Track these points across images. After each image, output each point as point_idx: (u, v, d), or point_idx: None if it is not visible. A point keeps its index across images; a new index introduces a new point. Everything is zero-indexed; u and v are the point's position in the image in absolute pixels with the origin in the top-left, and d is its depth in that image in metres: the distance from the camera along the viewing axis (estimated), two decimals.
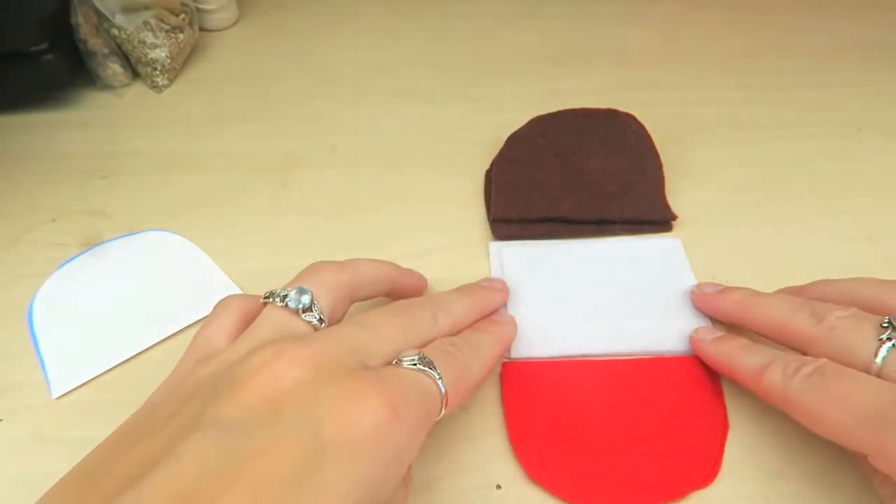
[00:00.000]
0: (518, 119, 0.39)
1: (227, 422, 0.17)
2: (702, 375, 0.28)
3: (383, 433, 0.18)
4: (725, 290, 0.29)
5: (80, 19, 0.41)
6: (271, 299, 0.23)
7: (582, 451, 0.26)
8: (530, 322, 0.30)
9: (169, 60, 0.44)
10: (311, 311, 0.22)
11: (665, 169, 0.36)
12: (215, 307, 0.24)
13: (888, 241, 0.34)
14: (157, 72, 0.44)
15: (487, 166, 0.38)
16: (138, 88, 0.45)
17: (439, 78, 0.45)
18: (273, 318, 0.22)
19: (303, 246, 0.34)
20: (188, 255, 0.33)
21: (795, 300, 0.26)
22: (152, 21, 0.43)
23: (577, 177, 0.35)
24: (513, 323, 0.28)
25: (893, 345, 0.22)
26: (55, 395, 0.28)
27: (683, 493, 0.25)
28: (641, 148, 0.37)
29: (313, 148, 0.40)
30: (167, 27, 0.44)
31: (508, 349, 0.28)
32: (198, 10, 0.47)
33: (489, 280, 0.30)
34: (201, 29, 0.48)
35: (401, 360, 0.21)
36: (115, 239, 0.34)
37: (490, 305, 0.28)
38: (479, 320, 0.27)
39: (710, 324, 0.30)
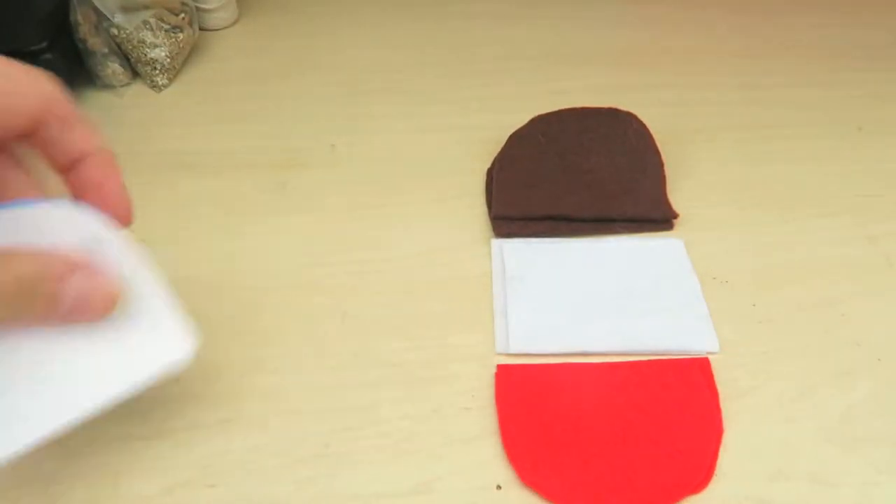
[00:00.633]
0: (518, 119, 0.39)
1: None
2: (696, 378, 0.28)
3: None
4: None
5: (80, 19, 0.41)
6: None
7: (575, 455, 0.26)
8: (530, 319, 0.30)
9: (168, 60, 0.44)
10: None
11: (665, 168, 0.36)
12: None
13: (888, 241, 0.34)
14: (157, 71, 0.44)
15: (488, 165, 0.38)
16: (138, 88, 0.45)
17: (439, 78, 0.45)
18: None
19: (303, 245, 0.34)
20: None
21: None
22: (152, 20, 0.43)
23: (578, 175, 0.35)
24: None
25: None
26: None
27: (678, 499, 0.25)
28: (642, 147, 0.37)
29: (313, 148, 0.40)
30: (167, 27, 0.44)
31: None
32: (197, 9, 0.47)
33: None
34: (201, 28, 0.48)
35: None
36: None
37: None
38: None
39: (710, 324, 0.30)
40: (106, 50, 0.43)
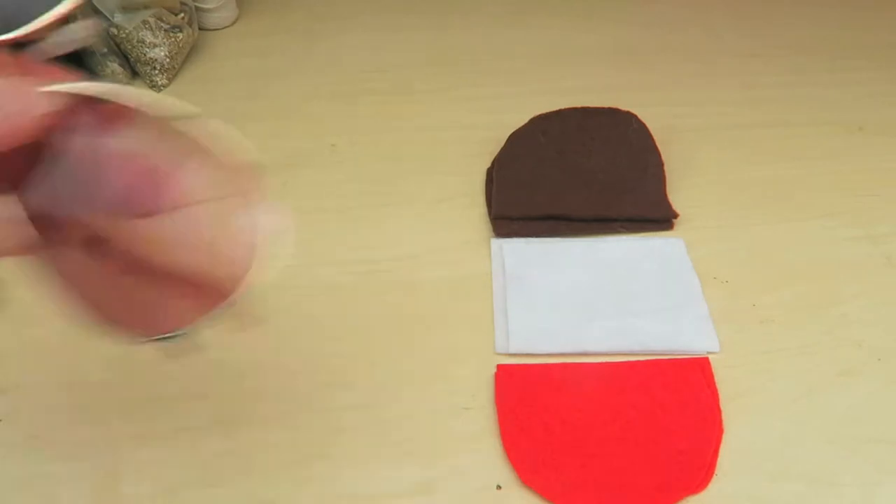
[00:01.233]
0: (518, 118, 0.39)
1: None
2: (696, 378, 0.28)
3: None
4: None
5: (79, 18, 0.41)
6: None
7: (575, 456, 0.26)
8: (530, 319, 0.30)
9: (168, 59, 0.43)
10: None
11: (665, 168, 0.36)
12: None
13: (888, 241, 0.34)
14: (157, 71, 0.44)
15: (488, 165, 0.38)
16: (138, 88, 0.45)
17: (439, 78, 0.45)
18: None
19: (303, 246, 0.34)
20: None
21: None
22: (151, 20, 0.43)
23: (579, 174, 0.35)
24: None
25: None
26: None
27: (677, 498, 0.25)
28: (643, 146, 0.37)
29: (313, 148, 0.40)
30: (166, 26, 0.43)
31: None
32: (197, 9, 0.47)
33: None
34: (200, 28, 0.48)
35: None
36: None
37: None
38: None
39: (710, 324, 0.30)
40: (105, 50, 0.43)
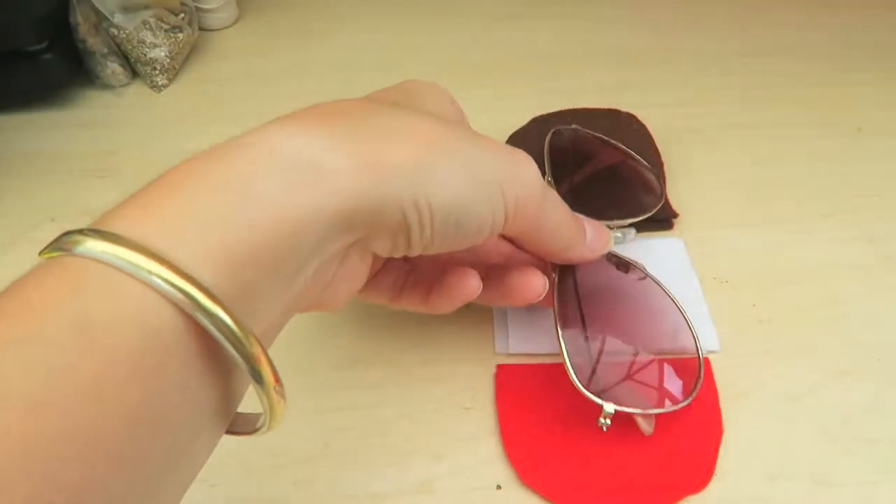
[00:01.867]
0: (518, 118, 0.39)
1: None
2: (696, 377, 0.28)
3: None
4: None
5: (80, 19, 0.41)
6: None
7: (575, 455, 0.26)
8: (530, 319, 0.30)
9: (168, 60, 0.44)
10: None
11: (665, 168, 0.36)
12: None
13: (888, 241, 0.34)
14: (157, 71, 0.44)
15: None
16: (137, 88, 0.45)
17: (438, 78, 0.45)
18: None
19: None
20: None
21: None
22: (151, 20, 0.43)
23: (580, 174, 0.35)
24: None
25: None
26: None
27: (677, 498, 0.25)
28: (643, 147, 0.37)
29: None
30: (166, 26, 0.44)
31: None
32: (197, 9, 0.47)
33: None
34: (201, 28, 0.48)
35: None
36: None
37: None
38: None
39: (710, 324, 0.30)
40: (105, 50, 0.43)
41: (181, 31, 0.44)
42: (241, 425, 0.18)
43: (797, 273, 0.33)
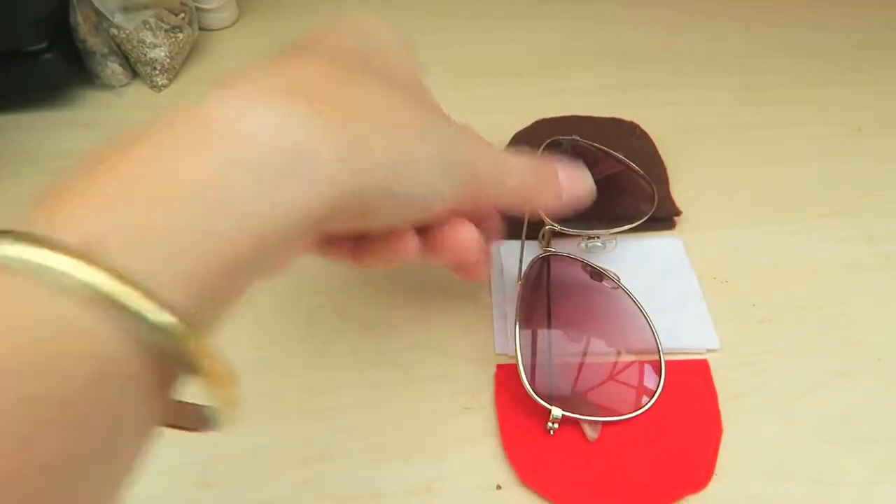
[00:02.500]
0: (519, 118, 0.39)
1: None
2: (695, 378, 0.28)
3: None
4: None
5: (80, 19, 0.41)
6: None
7: (575, 455, 0.26)
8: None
9: (168, 60, 0.44)
10: None
11: (667, 170, 0.36)
12: None
13: (888, 241, 0.34)
14: (157, 71, 0.44)
15: None
16: (137, 88, 0.45)
17: (437, 78, 0.45)
18: None
19: None
20: None
21: None
22: (151, 20, 0.43)
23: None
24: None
25: None
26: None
27: (677, 498, 0.25)
28: (645, 153, 0.37)
29: None
30: (166, 26, 0.44)
31: None
32: (197, 9, 0.47)
33: None
34: (201, 28, 0.48)
35: None
36: None
37: None
38: None
39: (710, 322, 0.30)
40: (106, 50, 0.43)
41: (181, 31, 0.44)
42: (187, 418, 0.17)
43: (797, 273, 0.33)
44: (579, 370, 0.28)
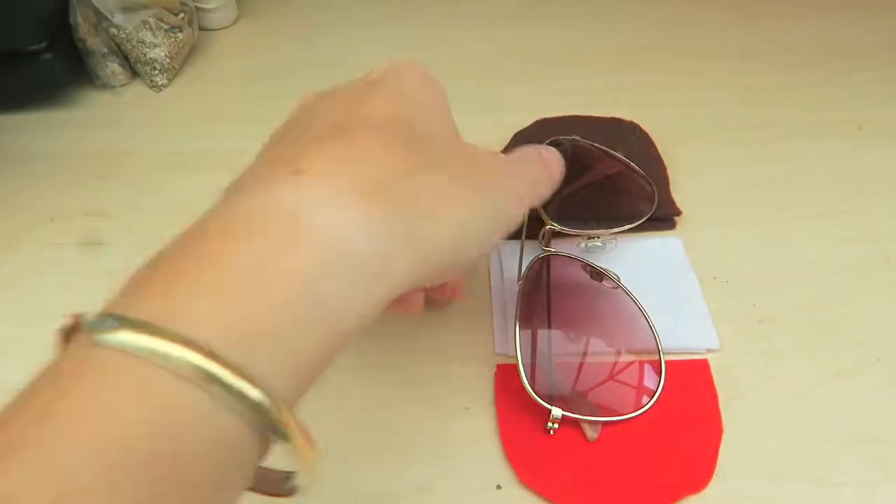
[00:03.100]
0: (519, 118, 0.39)
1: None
2: (695, 378, 0.28)
3: None
4: None
5: (79, 18, 0.41)
6: None
7: (575, 455, 0.26)
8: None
9: (168, 60, 0.44)
10: None
11: (667, 170, 0.36)
12: None
13: (888, 241, 0.34)
14: (157, 71, 0.44)
15: None
16: (137, 88, 0.45)
17: (439, 77, 0.45)
18: None
19: None
20: None
21: None
22: (151, 20, 0.43)
23: (583, 175, 0.35)
24: None
25: None
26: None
27: (677, 498, 0.25)
28: (645, 153, 0.37)
29: None
30: (166, 26, 0.44)
31: None
32: (197, 9, 0.47)
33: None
34: (201, 28, 0.48)
35: None
36: None
37: None
38: None
39: (710, 322, 0.30)
40: (105, 50, 0.43)
41: (181, 31, 0.44)
42: (270, 484, 0.18)
43: (797, 273, 0.33)
44: (579, 370, 0.28)
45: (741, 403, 0.27)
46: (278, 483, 0.18)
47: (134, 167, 0.39)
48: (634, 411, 0.26)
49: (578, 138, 0.36)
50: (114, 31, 0.42)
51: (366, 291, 0.16)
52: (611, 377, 0.28)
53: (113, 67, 0.43)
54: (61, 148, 0.40)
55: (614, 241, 0.32)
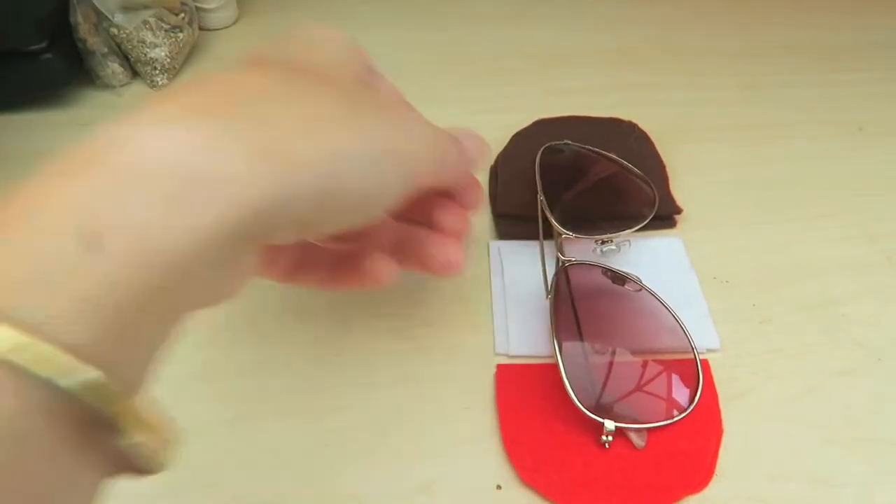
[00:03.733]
0: (519, 118, 0.39)
1: None
2: (696, 378, 0.28)
3: None
4: None
5: (80, 18, 0.41)
6: None
7: (575, 455, 0.26)
8: (530, 320, 0.30)
9: (168, 60, 0.44)
10: None
11: (667, 170, 0.36)
12: None
13: (888, 241, 0.34)
14: (157, 71, 0.44)
15: (489, 165, 0.38)
16: (138, 88, 0.45)
17: (437, 78, 0.45)
18: None
19: None
20: None
21: None
22: (152, 20, 0.43)
23: (583, 175, 0.35)
24: None
25: None
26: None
27: (677, 498, 0.25)
28: (645, 153, 0.37)
29: None
30: (167, 26, 0.44)
31: None
32: (197, 9, 0.47)
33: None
34: (201, 28, 0.48)
35: None
36: None
37: None
38: None
39: (710, 322, 0.30)
40: (106, 50, 0.43)
41: (181, 31, 0.44)
42: (132, 465, 0.16)
43: (797, 273, 0.33)
44: (622, 378, 0.27)
45: (741, 403, 0.27)
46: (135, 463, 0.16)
47: None
48: (680, 413, 0.26)
49: (570, 142, 0.36)
50: (114, 30, 0.42)
51: (174, 214, 0.14)
52: (652, 381, 0.27)
53: (113, 67, 0.43)
54: (60, 148, 0.40)
55: (628, 243, 0.32)
